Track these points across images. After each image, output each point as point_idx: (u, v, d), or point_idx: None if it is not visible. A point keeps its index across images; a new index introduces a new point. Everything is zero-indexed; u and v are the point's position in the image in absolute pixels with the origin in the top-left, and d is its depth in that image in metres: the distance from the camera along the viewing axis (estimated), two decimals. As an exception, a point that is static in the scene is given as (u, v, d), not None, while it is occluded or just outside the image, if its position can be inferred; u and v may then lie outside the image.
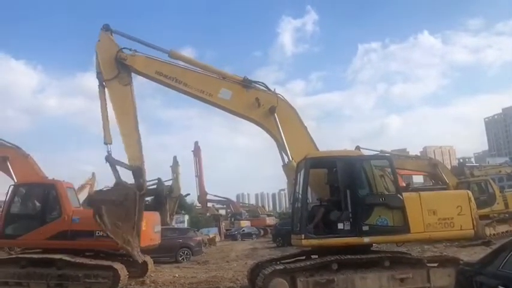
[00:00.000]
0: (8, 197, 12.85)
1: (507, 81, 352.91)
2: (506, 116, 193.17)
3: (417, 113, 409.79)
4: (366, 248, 9.72)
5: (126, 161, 11.27)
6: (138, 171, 11.08)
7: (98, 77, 11.60)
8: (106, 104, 11.48)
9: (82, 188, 33.20)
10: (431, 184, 25.44)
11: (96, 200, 11.25)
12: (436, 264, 9.54)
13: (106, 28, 11.70)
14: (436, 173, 23.64)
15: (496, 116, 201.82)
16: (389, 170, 21.70)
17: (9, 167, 14.20)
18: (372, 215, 9.20)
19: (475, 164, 32.31)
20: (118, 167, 11.38)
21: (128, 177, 11.37)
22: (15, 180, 13.80)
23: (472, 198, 9.78)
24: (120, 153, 11.43)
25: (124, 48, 11.52)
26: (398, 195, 9.36)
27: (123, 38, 11.88)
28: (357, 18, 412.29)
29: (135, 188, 10.94)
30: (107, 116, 11.42)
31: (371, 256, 9.45)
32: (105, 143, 11.36)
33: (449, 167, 39.90)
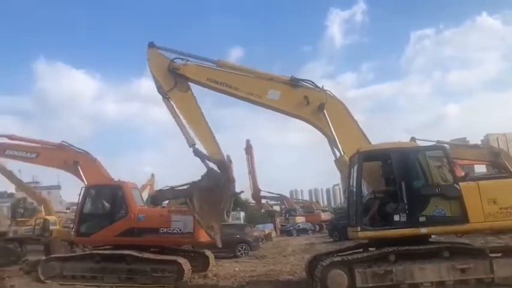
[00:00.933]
0: (80, 198, 14.01)
1: None
2: None
3: (477, 100, 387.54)
4: (423, 239, 9.64)
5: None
6: (222, 164, 11.77)
7: (159, 92, 12.42)
8: (176, 114, 12.28)
9: (143, 188, 34.92)
10: (494, 173, 24.23)
11: (191, 185, 11.96)
12: (499, 254, 9.33)
13: (151, 45, 12.53)
14: (499, 161, 22.51)
15: None
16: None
17: (80, 170, 15.39)
18: (429, 206, 9.16)
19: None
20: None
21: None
22: (85, 183, 14.93)
23: (536, 186, 9.41)
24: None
25: (176, 58, 12.25)
26: (455, 185, 9.24)
27: (169, 52, 12.61)
28: (407, 5, 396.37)
29: (224, 179, 11.57)
30: (182, 122, 12.19)
31: (429, 247, 9.39)
32: (190, 146, 12.04)
33: (514, 155, 37.84)
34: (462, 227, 9.30)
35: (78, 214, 14.11)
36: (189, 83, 12.36)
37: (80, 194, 14.00)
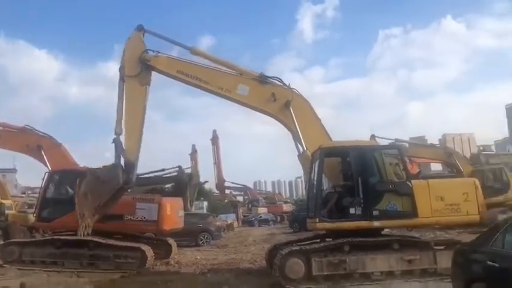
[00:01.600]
0: (43, 183, 13.88)
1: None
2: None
3: (438, 100, 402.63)
4: (376, 232, 10.29)
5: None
6: (130, 166, 11.88)
7: (119, 71, 12.38)
8: (122, 98, 12.26)
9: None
10: (448, 171, 25.61)
11: (89, 169, 12.08)
12: (443, 247, 10.08)
13: (140, 28, 12.47)
14: (451, 161, 23.92)
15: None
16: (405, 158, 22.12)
17: (44, 155, 15.18)
18: (382, 201, 9.81)
19: (490, 153, 32.25)
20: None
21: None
22: (49, 168, 14.76)
23: (479, 186, 10.26)
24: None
25: (149, 49, 12.26)
26: (408, 182, 9.96)
27: (150, 35, 12.66)
28: (378, 3, 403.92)
29: (122, 179, 11.65)
30: (122, 108, 12.19)
31: (381, 239, 10.08)
32: (116, 134, 12.12)
33: (468, 154, 39.97)
34: (412, 222, 10.04)
35: (40, 199, 14.01)
36: (151, 82, 12.40)
37: (43, 179, 13.88)
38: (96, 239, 12.68)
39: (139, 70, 12.14)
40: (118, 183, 11.61)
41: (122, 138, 12.09)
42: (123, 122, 12.10)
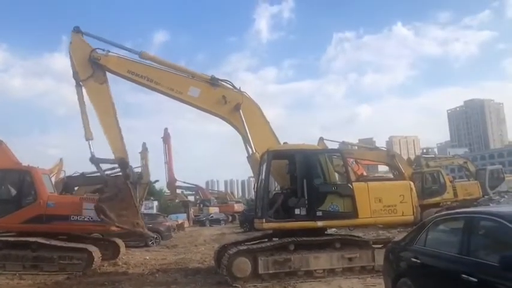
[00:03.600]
0: (-17, 182, 13.30)
1: (472, 74, 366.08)
2: (468, 108, 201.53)
3: (386, 103, 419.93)
4: (320, 231, 10.83)
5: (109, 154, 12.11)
6: (123, 163, 11.89)
7: (74, 77, 12.25)
8: (84, 102, 12.19)
9: (49, 172, 33.09)
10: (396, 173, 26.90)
11: (96, 204, 11.92)
12: (380, 246, 10.75)
13: (77, 30, 12.31)
14: (394, 163, 25.23)
15: (458, 108, 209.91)
16: (351, 160, 23.05)
17: (-17, 153, 14.48)
18: (325, 202, 10.35)
19: (430, 156, 34.19)
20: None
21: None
22: (-11, 166, 14.12)
23: (414, 188, 11.06)
24: (101, 148, 12.21)
25: (97, 48, 12.15)
26: (349, 184, 10.57)
27: (94, 39, 12.52)
28: (333, 6, 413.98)
29: (123, 178, 11.74)
30: (86, 114, 12.13)
31: (324, 238, 10.63)
32: (87, 139, 12.09)
33: (413, 156, 42.05)
34: (352, 222, 10.65)
35: (-20, 199, 13.40)
36: (107, 76, 12.32)
37: (-17, 178, 13.32)
38: (39, 240, 12.37)
39: (92, 71, 12.05)
40: (126, 184, 11.73)
41: (92, 143, 12.19)
42: (90, 126, 12.11)
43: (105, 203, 11.58)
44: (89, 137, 12.08)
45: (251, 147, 11.77)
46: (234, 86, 12.29)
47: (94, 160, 12.05)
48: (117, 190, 11.68)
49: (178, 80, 12.27)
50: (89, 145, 12.12)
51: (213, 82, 12.15)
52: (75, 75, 12.19)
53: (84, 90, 12.23)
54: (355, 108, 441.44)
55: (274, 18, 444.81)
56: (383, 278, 6.95)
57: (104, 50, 12.20)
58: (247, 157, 12.10)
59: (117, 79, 12.58)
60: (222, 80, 12.26)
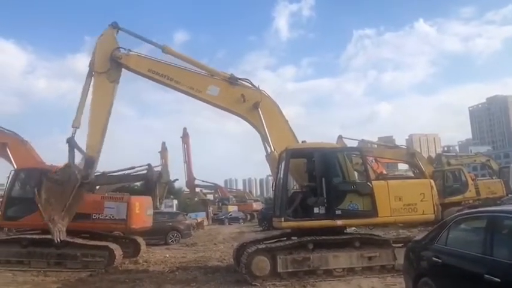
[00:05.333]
0: (9, 181, 13.69)
1: (494, 70, 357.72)
2: (490, 105, 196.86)
3: (406, 101, 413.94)
4: (339, 230, 10.78)
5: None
6: (90, 161, 11.94)
7: (89, 65, 12.42)
8: (88, 91, 12.30)
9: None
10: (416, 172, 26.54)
11: (45, 176, 11.93)
12: (401, 245, 10.63)
13: (114, 26, 12.52)
14: (414, 161, 24.84)
15: (480, 105, 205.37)
16: (371, 158, 22.78)
17: (9, 153, 14.91)
18: (344, 201, 10.28)
19: (451, 154, 33.55)
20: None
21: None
22: (15, 166, 14.54)
23: (434, 187, 10.89)
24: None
25: (120, 47, 12.35)
26: (368, 183, 10.47)
27: (130, 35, 12.75)
28: (354, 4, 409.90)
29: (80, 175, 11.64)
30: (84, 102, 12.24)
31: (343, 237, 10.57)
32: (73, 126, 12.15)
33: (434, 154, 41.38)
34: (372, 220, 10.56)
35: (5, 198, 13.77)
36: (120, 79, 12.49)
37: (8, 177, 13.69)
38: (63, 238, 12.63)
39: (108, 67, 12.22)
40: (76, 180, 11.51)
41: (78, 132, 12.17)
42: (82, 117, 12.12)
43: (50, 182, 11.54)
44: (76, 125, 12.14)
45: (269, 146, 11.78)
46: (252, 85, 12.32)
47: (71, 142, 12.01)
48: (66, 180, 11.53)
49: (197, 79, 12.37)
50: (74, 131, 12.15)
51: (232, 81, 12.22)
52: (91, 65, 12.37)
53: (93, 82, 12.35)
54: (374, 106, 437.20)
55: (294, 17, 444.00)
56: (403, 278, 6.89)
57: (126, 50, 12.39)
58: (266, 156, 12.12)
59: (137, 77, 12.72)
60: (241, 79, 12.31)
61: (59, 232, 11.34)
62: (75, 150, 12.04)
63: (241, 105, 12.10)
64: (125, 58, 12.31)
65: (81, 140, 12.18)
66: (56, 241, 11.38)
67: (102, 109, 12.15)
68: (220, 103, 12.34)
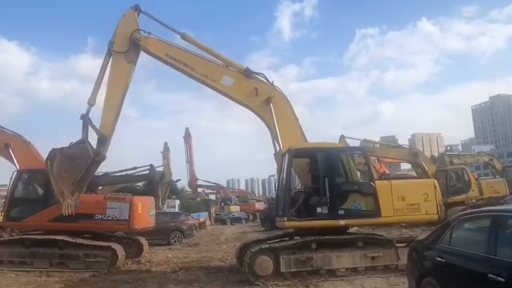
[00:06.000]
0: (11, 182, 13.72)
1: (498, 69, 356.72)
2: (493, 104, 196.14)
3: (409, 100, 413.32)
4: (342, 230, 10.76)
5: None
6: (103, 139, 11.84)
7: (109, 45, 12.36)
8: (105, 71, 12.26)
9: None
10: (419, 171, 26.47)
11: (56, 149, 11.77)
12: (404, 245, 10.61)
13: (136, 8, 12.46)
14: (417, 161, 24.77)
15: (483, 104, 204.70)
16: (374, 158, 22.74)
17: (12, 153, 14.93)
18: (347, 201, 10.26)
19: (454, 153, 33.39)
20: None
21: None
22: (17, 167, 14.56)
23: (438, 186, 10.85)
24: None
25: (141, 30, 12.31)
26: (371, 183, 10.45)
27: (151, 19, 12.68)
28: (357, 3, 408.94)
29: (92, 152, 11.59)
30: (101, 81, 12.21)
31: (346, 237, 10.55)
32: (88, 103, 12.07)
33: (437, 153, 41.27)
34: (375, 220, 10.53)
35: (8, 198, 13.83)
36: (138, 59, 12.49)
37: (11, 178, 13.73)
38: (66, 238, 12.68)
39: (127, 48, 12.19)
40: (89, 156, 11.46)
41: (93, 109, 12.11)
42: (99, 93, 12.10)
43: (63, 156, 11.48)
44: (92, 102, 12.08)
45: (279, 144, 11.71)
46: (267, 80, 12.31)
47: (85, 118, 11.93)
48: (79, 156, 11.50)
49: (213, 68, 12.35)
50: (88, 108, 12.07)
51: (247, 73, 12.21)
52: (111, 44, 12.30)
53: (110, 61, 12.32)
54: (377, 106, 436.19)
55: (297, 16, 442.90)
56: (407, 277, 6.87)
57: (146, 32, 12.35)
58: (274, 154, 12.05)
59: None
60: (256, 73, 12.29)
61: (68, 207, 11.35)
62: (89, 127, 11.97)
63: (253, 98, 12.09)
64: (144, 40, 12.25)
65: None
66: (65, 214, 11.32)
67: (118, 88, 12.15)
68: (233, 94, 12.32)
